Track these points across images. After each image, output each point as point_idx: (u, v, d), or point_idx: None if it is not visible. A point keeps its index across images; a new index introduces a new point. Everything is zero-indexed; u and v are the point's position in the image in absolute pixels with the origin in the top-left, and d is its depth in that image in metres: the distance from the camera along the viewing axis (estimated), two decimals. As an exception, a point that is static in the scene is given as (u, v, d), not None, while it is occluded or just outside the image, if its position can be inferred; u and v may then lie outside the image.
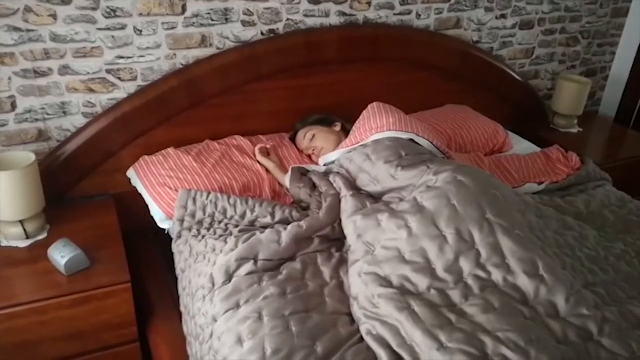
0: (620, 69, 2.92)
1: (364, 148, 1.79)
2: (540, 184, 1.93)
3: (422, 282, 1.31)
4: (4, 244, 1.60)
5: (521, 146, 2.30)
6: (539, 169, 2.05)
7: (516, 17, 2.48)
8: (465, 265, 1.34)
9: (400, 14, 2.19)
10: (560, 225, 1.61)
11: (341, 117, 2.08)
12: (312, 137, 1.99)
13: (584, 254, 1.51)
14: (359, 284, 1.34)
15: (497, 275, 1.32)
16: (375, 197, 1.66)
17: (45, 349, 1.47)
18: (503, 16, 2.44)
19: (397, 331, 1.20)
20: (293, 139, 2.07)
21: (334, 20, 2.07)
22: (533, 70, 2.70)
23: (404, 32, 2.21)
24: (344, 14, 2.08)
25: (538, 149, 2.25)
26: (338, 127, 2.05)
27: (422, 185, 1.55)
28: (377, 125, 1.84)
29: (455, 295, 1.29)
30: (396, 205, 1.53)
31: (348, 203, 1.60)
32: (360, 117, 1.95)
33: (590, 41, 2.78)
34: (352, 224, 1.52)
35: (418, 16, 2.23)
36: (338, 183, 1.69)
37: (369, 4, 2.11)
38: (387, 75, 2.21)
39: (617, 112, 2.99)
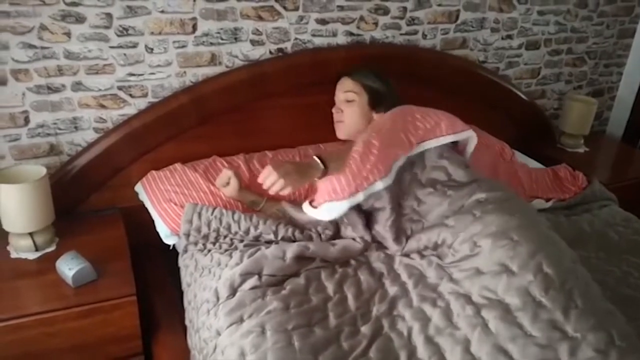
0: (627, 89, 2.93)
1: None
2: (547, 200, 1.93)
3: (500, 286, 1.28)
4: (14, 255, 1.63)
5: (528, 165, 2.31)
6: (547, 186, 2.06)
7: (522, 38, 2.50)
8: (542, 259, 1.29)
9: (406, 33, 2.22)
10: None
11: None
12: (348, 102, 1.83)
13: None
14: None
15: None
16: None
17: (51, 360, 1.49)
18: (509, 36, 2.47)
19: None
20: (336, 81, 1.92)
21: (341, 39, 2.11)
22: (539, 90, 2.71)
23: (410, 52, 2.24)
24: (351, 34, 2.12)
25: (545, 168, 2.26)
26: (377, 116, 1.83)
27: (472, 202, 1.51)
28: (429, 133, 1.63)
29: (535, 288, 1.24)
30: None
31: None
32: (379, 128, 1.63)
33: (596, 61, 2.80)
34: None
35: (424, 36, 2.26)
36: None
37: (376, 24, 2.15)
38: (393, 93, 2.24)
39: (624, 132, 2.99)
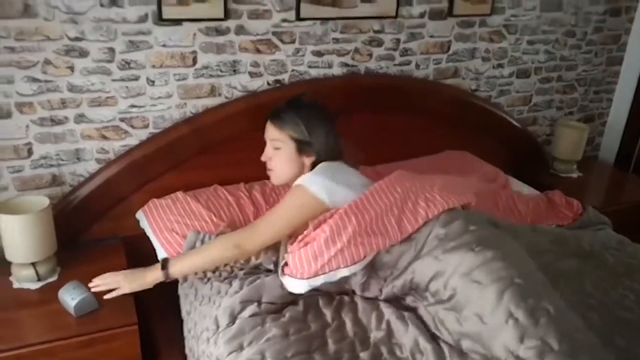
0: (617, 114, 2.99)
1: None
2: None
3: (480, 339, 1.27)
4: (16, 285, 1.65)
5: (522, 190, 2.33)
6: (543, 213, 2.08)
7: (513, 67, 2.57)
8: (509, 301, 1.27)
9: (400, 64, 2.28)
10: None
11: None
12: (275, 150, 1.68)
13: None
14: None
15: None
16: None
17: (53, 390, 1.49)
18: (500, 65, 2.53)
19: None
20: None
21: (337, 70, 2.17)
22: (531, 117, 2.77)
23: (404, 82, 2.29)
24: (346, 65, 2.18)
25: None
26: (308, 161, 1.67)
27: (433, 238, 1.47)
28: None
29: (510, 339, 1.22)
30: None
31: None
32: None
33: (586, 88, 2.86)
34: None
35: (417, 66, 2.32)
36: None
37: (370, 55, 2.21)
38: (388, 122, 2.28)
39: (616, 157, 3.04)
